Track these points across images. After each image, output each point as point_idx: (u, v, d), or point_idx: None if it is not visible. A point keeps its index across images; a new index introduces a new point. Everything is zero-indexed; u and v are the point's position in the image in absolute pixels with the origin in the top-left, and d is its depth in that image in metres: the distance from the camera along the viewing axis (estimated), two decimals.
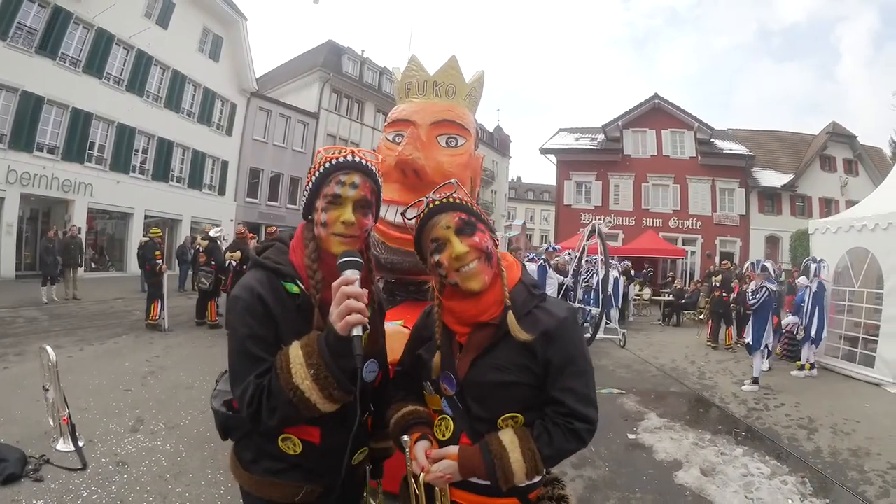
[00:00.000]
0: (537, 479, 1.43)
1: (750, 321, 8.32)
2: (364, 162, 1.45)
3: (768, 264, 8.51)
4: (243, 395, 1.29)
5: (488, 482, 1.36)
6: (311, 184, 1.45)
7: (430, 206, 1.44)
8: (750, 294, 8.15)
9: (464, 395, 1.44)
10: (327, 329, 1.27)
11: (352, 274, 1.28)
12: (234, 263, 9.82)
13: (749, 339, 8.21)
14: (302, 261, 1.42)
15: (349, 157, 1.43)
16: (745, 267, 8.93)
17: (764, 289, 7.93)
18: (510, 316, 1.39)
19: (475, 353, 1.43)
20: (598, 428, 1.42)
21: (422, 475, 1.38)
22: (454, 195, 1.45)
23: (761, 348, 7.98)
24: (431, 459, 1.40)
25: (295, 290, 1.39)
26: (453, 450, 1.39)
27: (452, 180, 1.50)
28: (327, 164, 1.42)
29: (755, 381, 7.82)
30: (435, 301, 1.53)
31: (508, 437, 1.36)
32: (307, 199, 1.47)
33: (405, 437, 1.44)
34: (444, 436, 1.46)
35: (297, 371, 1.25)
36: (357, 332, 1.24)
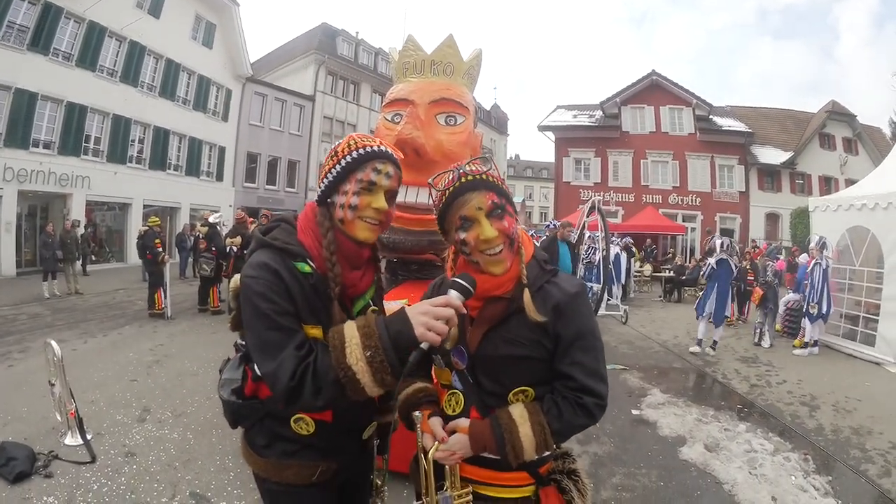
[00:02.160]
0: (547, 453, 1.44)
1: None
2: (395, 154, 1.48)
3: (718, 240, 9.00)
4: (279, 369, 1.25)
5: (498, 457, 1.37)
6: (336, 167, 1.42)
7: (463, 179, 1.40)
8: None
9: (475, 369, 1.45)
10: (400, 322, 1.26)
11: (460, 300, 1.28)
12: (234, 249, 9.83)
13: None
14: (312, 242, 1.41)
15: (384, 149, 1.44)
16: (709, 241, 9.25)
17: (707, 263, 8.74)
18: (526, 295, 1.39)
19: (487, 326, 1.42)
20: None
21: (431, 452, 1.39)
22: (489, 172, 1.43)
23: (703, 315, 8.61)
24: (447, 431, 1.41)
25: (307, 269, 1.37)
26: (464, 422, 1.40)
27: (486, 154, 1.50)
28: (362, 150, 1.42)
29: (698, 342, 8.63)
30: (448, 271, 1.53)
31: (518, 411, 1.37)
32: (330, 182, 1.44)
33: (417, 413, 1.43)
34: (454, 411, 1.47)
35: (353, 351, 1.24)
36: (425, 346, 1.25)
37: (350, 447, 1.54)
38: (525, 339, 1.39)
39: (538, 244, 9.41)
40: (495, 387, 1.42)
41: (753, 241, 22.51)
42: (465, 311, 1.29)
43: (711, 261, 8.61)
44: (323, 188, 1.46)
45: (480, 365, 1.43)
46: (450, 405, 1.48)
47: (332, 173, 1.43)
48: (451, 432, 1.41)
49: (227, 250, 10.00)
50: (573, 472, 1.49)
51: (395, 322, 1.27)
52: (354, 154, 1.41)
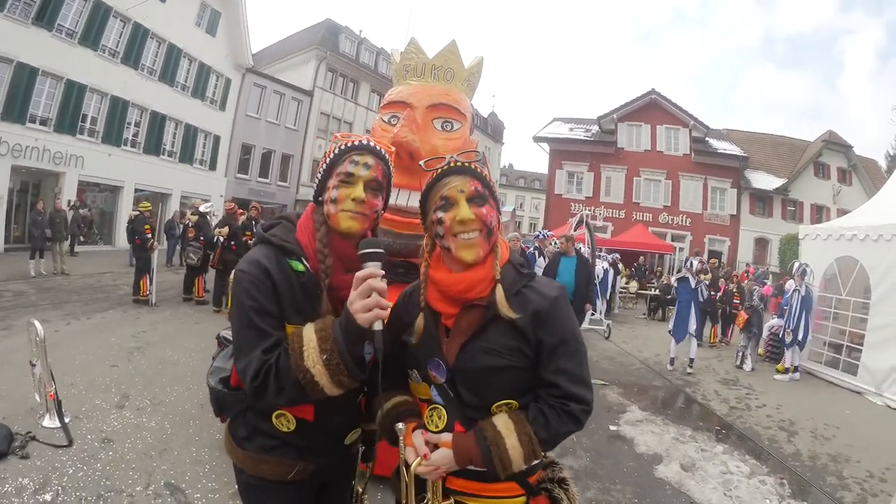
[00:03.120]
0: (535, 462, 1.41)
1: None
2: (378, 147, 1.50)
3: (692, 260, 9.33)
4: (247, 368, 1.31)
5: (485, 469, 1.34)
6: (324, 166, 1.51)
7: (451, 164, 1.43)
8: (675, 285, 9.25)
9: (455, 383, 1.40)
10: (345, 317, 1.28)
11: (377, 267, 1.29)
12: (221, 239, 9.77)
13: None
14: (309, 240, 1.45)
15: (364, 142, 1.49)
16: (686, 263, 9.42)
17: (675, 283, 8.90)
18: (499, 290, 1.37)
19: (464, 337, 1.39)
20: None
21: (414, 466, 1.34)
22: (476, 163, 1.45)
23: (669, 330, 8.95)
24: (429, 445, 1.37)
25: (300, 267, 1.41)
26: (447, 437, 1.36)
27: (481, 150, 1.51)
28: (343, 146, 1.48)
29: (671, 361, 8.80)
30: (422, 269, 1.51)
31: (503, 422, 1.34)
32: (319, 181, 1.52)
33: (400, 425, 1.39)
34: (437, 427, 1.42)
35: (310, 354, 1.27)
36: (378, 326, 1.27)
37: (330, 450, 1.54)
38: (504, 348, 1.35)
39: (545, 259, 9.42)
40: (477, 399, 1.38)
41: (748, 264, 22.70)
42: (380, 272, 1.29)
43: (673, 279, 8.66)
44: (315, 187, 1.54)
45: (460, 378, 1.39)
46: (432, 420, 1.44)
47: (320, 172, 1.52)
48: (434, 447, 1.37)
49: (215, 240, 9.94)
50: (563, 480, 1.49)
51: (342, 319, 1.29)
52: (336, 151, 1.48)
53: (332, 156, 1.49)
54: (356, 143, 1.49)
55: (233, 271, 1.48)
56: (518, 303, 1.37)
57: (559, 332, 1.36)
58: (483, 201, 1.41)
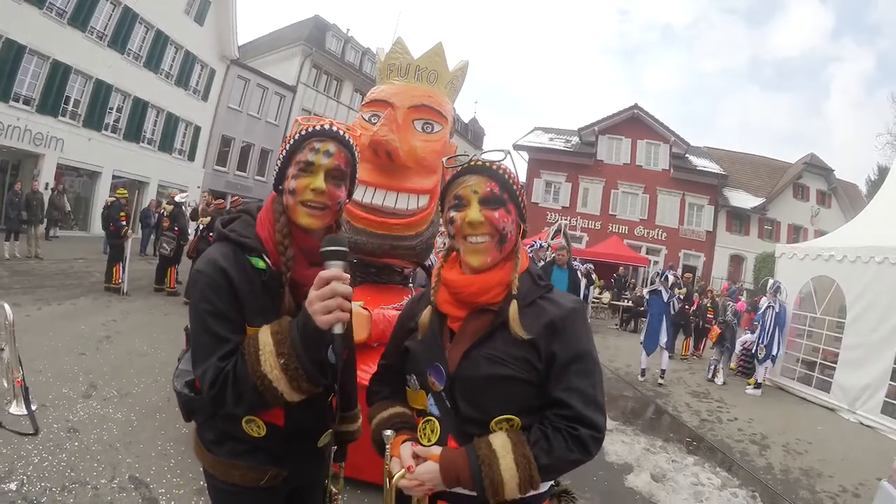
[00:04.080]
0: (533, 492, 1.23)
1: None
2: (341, 132, 1.41)
3: (667, 273, 9.44)
4: (204, 376, 1.24)
5: (474, 493, 1.20)
6: (284, 152, 1.41)
7: (472, 163, 1.36)
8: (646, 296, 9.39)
9: (453, 391, 1.29)
10: (303, 319, 1.21)
11: (340, 267, 1.23)
12: (201, 227, 9.64)
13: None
14: (270, 234, 1.36)
15: (326, 126, 1.39)
16: (660, 276, 9.54)
17: (647, 295, 9.01)
18: (513, 306, 1.27)
19: (469, 342, 1.29)
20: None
21: (396, 478, 1.24)
22: (500, 164, 1.37)
23: (641, 341, 8.89)
24: (417, 460, 1.26)
25: (261, 265, 1.32)
26: (436, 450, 1.25)
27: (506, 148, 1.42)
28: (303, 132, 1.38)
29: (642, 372, 8.78)
30: (435, 268, 1.43)
31: (500, 441, 1.20)
32: (279, 168, 1.43)
33: (388, 432, 1.31)
34: (429, 440, 1.32)
35: (266, 359, 1.20)
36: (338, 329, 1.21)
37: (302, 454, 1.47)
38: (511, 357, 1.24)
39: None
40: (476, 412, 1.26)
41: (724, 280, 22.95)
42: (346, 276, 1.23)
43: (645, 291, 8.72)
44: (275, 174, 1.44)
45: (460, 386, 1.28)
46: (424, 434, 1.34)
47: (280, 158, 1.43)
48: (423, 461, 1.25)
49: (197, 228, 9.77)
50: None
51: (299, 320, 1.22)
52: (297, 136, 1.39)
53: (292, 141, 1.39)
54: (317, 127, 1.39)
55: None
56: (532, 313, 1.28)
57: (574, 346, 1.26)
58: (498, 204, 1.32)
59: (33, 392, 4.17)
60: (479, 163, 1.35)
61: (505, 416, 1.25)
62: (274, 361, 1.20)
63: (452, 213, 1.34)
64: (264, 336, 1.23)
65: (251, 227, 1.39)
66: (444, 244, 1.47)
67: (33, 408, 4.02)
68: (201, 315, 1.26)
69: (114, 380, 5.16)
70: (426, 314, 1.38)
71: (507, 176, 1.36)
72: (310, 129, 1.38)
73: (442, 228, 1.66)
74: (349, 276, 1.24)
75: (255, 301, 1.30)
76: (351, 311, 1.25)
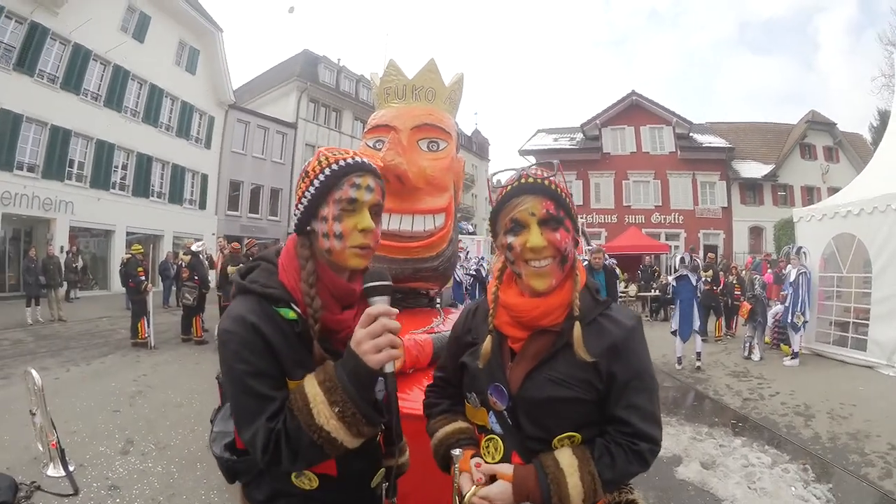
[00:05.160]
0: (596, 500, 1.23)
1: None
2: (373, 164, 1.32)
3: (678, 257, 9.36)
4: (254, 440, 1.14)
5: None
6: (311, 189, 1.27)
7: (523, 180, 1.28)
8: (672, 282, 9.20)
9: (516, 411, 1.28)
10: (352, 361, 1.13)
11: (385, 303, 1.17)
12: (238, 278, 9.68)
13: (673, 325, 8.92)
14: (294, 282, 1.25)
15: (359, 159, 1.29)
16: (675, 259, 9.40)
17: (674, 282, 8.83)
18: (577, 329, 1.23)
19: (531, 364, 1.27)
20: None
21: (468, 496, 1.21)
22: (552, 178, 1.30)
23: (673, 329, 8.75)
24: (486, 475, 1.24)
25: (291, 315, 1.22)
26: (507, 468, 1.23)
27: (556, 161, 1.35)
28: (335, 166, 1.26)
29: (679, 360, 8.64)
30: (490, 291, 1.38)
31: (567, 459, 1.20)
32: (305, 208, 1.29)
33: (457, 451, 1.29)
34: (493, 458, 1.30)
35: (320, 411, 1.12)
36: (390, 368, 1.15)
37: (357, 498, 1.38)
38: (574, 379, 1.23)
39: None
40: (539, 431, 1.25)
41: (752, 255, 22.67)
42: (395, 311, 1.17)
43: (671, 278, 8.61)
44: (299, 215, 1.30)
45: (522, 407, 1.26)
46: (488, 451, 1.32)
47: (306, 196, 1.28)
48: (491, 478, 1.23)
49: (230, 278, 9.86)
50: (632, 503, 1.36)
51: (347, 363, 1.14)
52: (328, 171, 1.26)
53: (321, 176, 1.26)
54: (352, 161, 1.28)
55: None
56: (593, 333, 1.25)
57: (634, 366, 1.25)
58: (557, 224, 1.26)
59: (70, 453, 4.23)
60: (531, 180, 1.29)
61: (567, 434, 1.25)
62: (329, 412, 1.12)
63: (510, 239, 1.28)
64: (311, 387, 1.15)
65: (274, 276, 1.28)
66: (497, 267, 1.41)
67: (71, 468, 4.06)
68: (240, 377, 1.16)
69: (150, 434, 5.16)
70: (487, 344, 1.32)
71: (560, 192, 1.30)
72: (344, 163, 1.27)
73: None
74: (396, 311, 1.17)
75: (293, 353, 1.21)
76: (403, 347, 1.18)
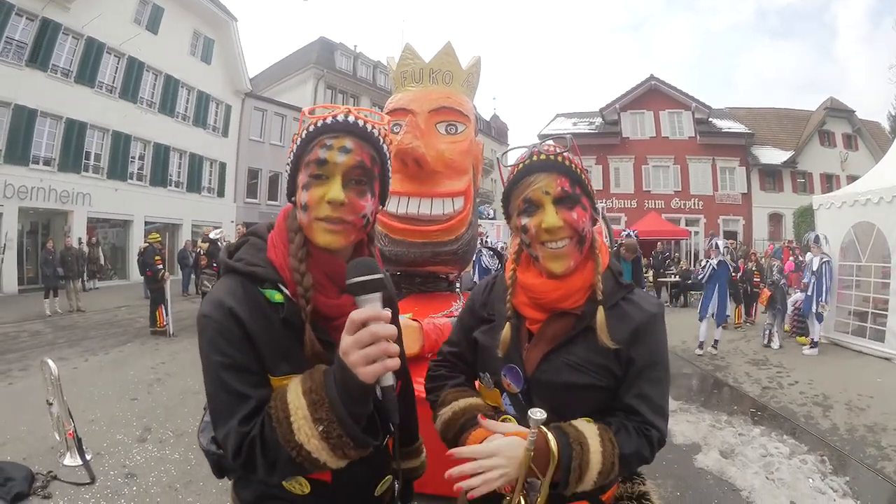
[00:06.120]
0: (606, 481, 1.15)
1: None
2: (360, 122, 1.10)
3: (719, 242, 9.23)
4: (226, 441, 1.01)
5: (554, 479, 1.09)
6: (292, 154, 1.14)
7: (535, 158, 1.21)
8: (700, 269, 9.24)
9: (530, 394, 1.22)
10: (341, 372, 0.96)
11: (374, 302, 0.97)
12: None
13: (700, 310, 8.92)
14: (284, 258, 1.09)
15: (339, 117, 1.09)
16: (710, 244, 9.28)
17: (708, 264, 8.71)
18: (600, 313, 1.17)
19: (548, 346, 1.21)
20: None
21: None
22: (565, 153, 1.21)
23: (707, 316, 8.64)
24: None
25: (278, 297, 1.07)
26: (524, 429, 1.11)
27: (568, 135, 1.28)
28: (311, 128, 1.10)
29: (701, 345, 8.71)
30: (507, 273, 1.31)
31: (585, 425, 1.13)
32: (290, 174, 1.15)
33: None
34: None
35: (301, 427, 0.96)
36: (388, 381, 0.98)
37: None
38: (592, 365, 1.17)
39: None
40: (553, 415, 1.13)
41: (772, 242, 22.41)
42: (387, 314, 0.97)
43: (713, 261, 8.58)
44: (287, 184, 1.17)
45: (537, 390, 1.21)
46: None
47: (289, 163, 1.15)
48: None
49: None
50: (644, 496, 1.31)
51: (337, 373, 0.97)
52: (303, 134, 1.11)
53: (299, 140, 1.11)
54: (329, 121, 1.09)
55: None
56: (615, 317, 1.19)
57: (651, 353, 1.20)
58: (574, 202, 1.19)
59: (87, 441, 4.27)
60: (543, 156, 1.21)
61: (582, 419, 1.17)
62: (310, 430, 0.96)
63: (525, 220, 1.21)
64: (294, 397, 0.99)
65: (262, 252, 1.13)
66: (513, 248, 1.34)
67: (88, 457, 4.10)
68: (214, 369, 1.02)
69: (168, 421, 5.20)
70: (507, 331, 1.24)
71: (575, 167, 1.22)
72: (319, 124, 1.09)
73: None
74: (388, 313, 0.98)
75: (276, 343, 1.06)
76: (400, 355, 1.02)
